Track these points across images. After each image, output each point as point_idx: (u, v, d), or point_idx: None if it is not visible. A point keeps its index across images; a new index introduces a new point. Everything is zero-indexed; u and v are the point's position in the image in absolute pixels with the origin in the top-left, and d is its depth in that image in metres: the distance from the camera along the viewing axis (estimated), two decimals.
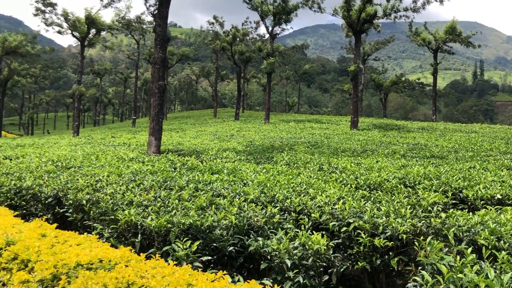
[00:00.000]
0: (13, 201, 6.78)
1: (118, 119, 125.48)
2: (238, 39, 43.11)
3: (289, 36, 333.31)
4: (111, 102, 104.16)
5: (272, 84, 40.44)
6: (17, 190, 6.81)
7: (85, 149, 14.46)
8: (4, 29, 41.95)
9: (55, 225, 3.73)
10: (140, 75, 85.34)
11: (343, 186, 6.98)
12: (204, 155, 12.64)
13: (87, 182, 6.59)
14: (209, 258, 4.23)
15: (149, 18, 39.58)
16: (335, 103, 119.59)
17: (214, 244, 4.48)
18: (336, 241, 4.64)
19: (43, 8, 29.38)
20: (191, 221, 4.57)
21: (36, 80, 61.50)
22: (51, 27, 30.62)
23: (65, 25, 30.17)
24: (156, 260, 2.80)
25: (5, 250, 2.96)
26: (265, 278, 4.06)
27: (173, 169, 9.03)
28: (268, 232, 4.74)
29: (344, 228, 4.76)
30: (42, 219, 3.95)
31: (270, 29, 34.50)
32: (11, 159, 11.31)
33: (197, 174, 7.87)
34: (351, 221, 4.82)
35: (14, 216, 4.36)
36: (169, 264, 2.71)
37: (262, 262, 4.27)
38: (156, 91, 13.51)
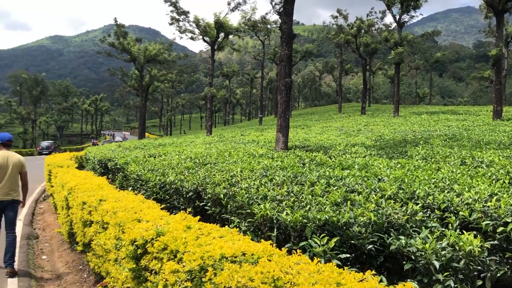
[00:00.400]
0: (158, 195, 7.36)
1: (246, 118, 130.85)
2: (363, 30, 41.82)
3: (417, 23, 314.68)
4: (239, 102, 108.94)
5: (400, 75, 38.42)
6: (162, 185, 7.38)
7: (218, 147, 15.22)
8: (145, 39, 46.25)
9: (198, 217, 3.88)
10: (265, 74, 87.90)
11: (493, 181, 6.22)
12: (331, 150, 12.40)
13: (223, 177, 6.84)
14: (348, 256, 4.04)
15: (273, 18, 40.39)
16: (472, 92, 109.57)
17: (352, 242, 4.28)
18: (491, 242, 4.11)
19: (177, 17, 31.77)
20: (327, 217, 4.42)
21: (173, 84, 66.97)
22: (184, 34, 33.00)
23: (196, 31, 32.27)
24: (298, 255, 2.70)
25: (156, 240, 3.13)
26: (408, 280, 3.75)
27: (302, 165, 8.98)
28: (410, 230, 4.39)
29: (501, 228, 4.20)
30: (185, 212, 4.12)
31: (397, 17, 32.79)
32: (154, 157, 12.29)
33: (327, 170, 7.69)
34: (509, 220, 4.23)
35: (161, 209, 4.65)
36: (312, 260, 2.60)
37: (405, 262, 3.95)
38: (282, 88, 13.63)
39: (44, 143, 54.32)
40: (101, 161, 13.18)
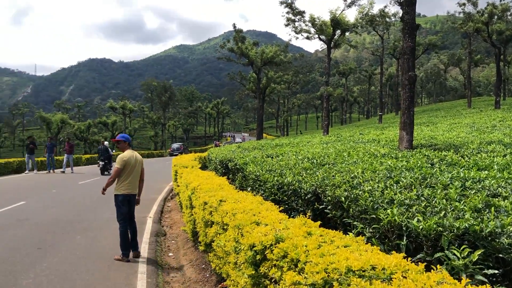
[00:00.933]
0: (276, 196, 7.25)
1: (364, 116, 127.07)
2: (495, 17, 37.77)
3: None
4: (357, 101, 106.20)
5: None
6: (279, 186, 7.25)
7: (336, 147, 14.76)
8: (261, 43, 47.28)
9: (318, 223, 3.61)
10: (384, 70, 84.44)
11: None
12: (463, 149, 11.22)
13: (343, 179, 6.48)
14: (495, 271, 3.45)
15: (393, 10, 38.40)
16: None
17: (500, 255, 3.65)
18: None
19: (293, 17, 31.85)
20: (467, 225, 3.84)
21: (289, 85, 67.65)
22: (300, 34, 32.96)
23: (312, 30, 32.01)
24: (439, 272, 2.29)
25: (275, 247, 2.93)
26: None
27: (430, 165, 8.19)
28: None
29: None
30: (305, 216, 3.88)
31: None
32: (272, 157, 12.29)
33: (461, 171, 6.88)
34: None
35: (279, 211, 4.47)
36: (451, 275, 2.17)
37: None
38: (406, 83, 12.73)
39: (175, 145, 59.03)
40: (222, 162, 13.60)
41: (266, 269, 3.05)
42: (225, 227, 4.62)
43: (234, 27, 40.87)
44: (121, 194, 7.18)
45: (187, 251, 8.03)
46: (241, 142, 57.57)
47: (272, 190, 7.38)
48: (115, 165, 7.28)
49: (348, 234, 3.92)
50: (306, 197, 6.45)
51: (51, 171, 24.45)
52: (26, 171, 24.11)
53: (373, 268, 2.37)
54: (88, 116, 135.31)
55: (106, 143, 25.37)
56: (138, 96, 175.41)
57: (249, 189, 8.69)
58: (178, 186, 12.05)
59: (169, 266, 7.23)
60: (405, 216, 4.32)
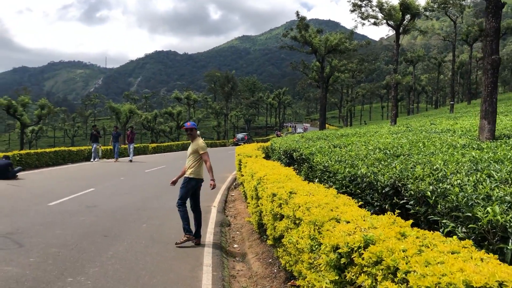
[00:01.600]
0: (347, 189, 6.75)
1: (431, 106, 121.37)
2: None
3: None
4: (424, 90, 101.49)
5: None
6: (352, 178, 6.73)
7: (408, 137, 13.88)
8: (325, 31, 46.09)
9: (410, 221, 3.10)
10: (455, 57, 79.83)
11: None
12: None
13: (425, 171, 5.84)
14: None
15: None
16: None
17: None
18: None
19: (359, 2, 30.64)
20: None
21: (353, 74, 65.79)
22: (366, 20, 31.67)
23: (380, 15, 30.62)
24: None
25: (364, 250, 2.47)
26: None
27: None
28: None
29: None
30: (394, 214, 3.38)
31: None
32: (339, 148, 11.73)
33: None
34: None
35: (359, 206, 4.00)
36: None
37: None
38: (488, 67, 11.59)
39: (239, 135, 60.33)
40: (286, 152, 13.20)
41: (353, 275, 2.60)
42: (297, 221, 4.21)
43: (297, 14, 40.10)
44: (196, 178, 7.49)
45: (252, 243, 7.73)
46: (302, 133, 56.89)
47: (344, 182, 6.88)
48: (204, 150, 7.57)
49: (456, 239, 3.38)
50: (383, 191, 5.89)
51: (117, 159, 25.11)
52: (92, 160, 24.88)
53: (500, 285, 1.86)
54: (155, 107, 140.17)
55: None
56: (201, 87, 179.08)
57: (316, 181, 8.24)
58: (242, 175, 11.82)
59: (235, 259, 6.97)
60: (510, 215, 3.68)
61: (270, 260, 6.45)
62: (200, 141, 7.61)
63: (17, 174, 15.07)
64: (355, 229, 2.95)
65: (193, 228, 7.50)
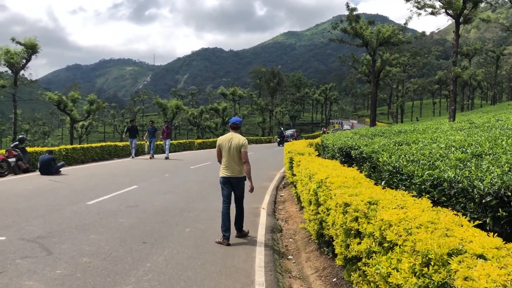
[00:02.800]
0: (427, 195, 5.56)
1: (486, 102, 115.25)
2: None
3: None
4: (480, 85, 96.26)
5: None
6: (435, 182, 5.53)
7: (480, 133, 12.36)
8: (376, 23, 44.04)
9: None
10: None
11: None
12: None
13: None
14: None
15: None
16: None
17: None
18: None
19: None
20: None
21: (405, 68, 62.93)
22: (423, 10, 29.68)
23: (438, 4, 28.57)
24: None
25: None
26: None
27: None
28: None
29: None
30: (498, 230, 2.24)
31: None
32: (403, 145, 10.46)
33: None
34: None
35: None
36: None
37: None
38: None
39: (289, 131, 60.23)
40: (341, 149, 12.02)
41: None
42: (385, 244, 3.13)
43: (347, 5, 38.41)
44: (220, 176, 7.25)
45: (310, 255, 6.68)
46: (349, 129, 55.12)
47: (423, 187, 5.69)
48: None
49: None
50: (482, 201, 4.69)
51: (152, 155, 23.29)
52: (132, 156, 23.51)
53: None
54: (201, 103, 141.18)
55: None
56: (246, 84, 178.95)
57: (382, 183, 7.10)
58: (294, 175, 10.77)
59: (291, 275, 5.95)
60: None
61: (334, 279, 5.38)
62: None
63: (60, 169, 14.73)
64: (509, 274, 1.85)
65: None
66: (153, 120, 27.46)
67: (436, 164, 6.26)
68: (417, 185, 5.91)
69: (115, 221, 7.87)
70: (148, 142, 23.70)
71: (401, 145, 10.33)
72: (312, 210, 6.41)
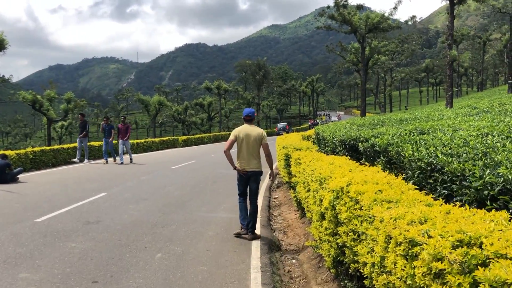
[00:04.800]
0: (495, 204, 3.84)
1: (472, 89, 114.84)
2: None
3: None
4: (466, 72, 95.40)
5: None
6: (509, 187, 3.80)
7: (496, 119, 10.72)
8: (363, 10, 42.33)
9: None
10: (501, 35, 73.83)
11: None
12: None
13: None
14: None
15: None
16: None
17: None
18: None
19: None
20: None
21: (392, 56, 61.42)
22: None
23: None
24: None
25: None
26: None
27: None
28: None
29: None
30: None
31: None
32: (417, 134, 8.77)
33: None
34: None
35: None
36: None
37: None
38: None
39: (280, 124, 60.02)
40: (344, 142, 10.27)
41: None
42: None
43: None
44: (237, 170, 6.96)
45: (323, 287, 4.91)
46: (337, 121, 53.74)
47: (482, 194, 3.96)
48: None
49: None
50: None
51: (106, 160, 19.07)
52: (76, 159, 19.54)
53: None
54: (186, 99, 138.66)
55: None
56: (232, 78, 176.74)
57: (411, 183, 5.36)
58: (292, 175, 9.00)
59: None
60: None
61: None
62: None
63: (18, 176, 12.72)
64: None
65: None
66: (108, 116, 21.89)
67: (496, 159, 4.52)
68: (473, 190, 4.16)
69: (63, 247, 6.00)
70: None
71: (417, 135, 8.62)
72: (326, 228, 4.63)
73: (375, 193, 3.60)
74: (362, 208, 3.49)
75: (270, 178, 7.44)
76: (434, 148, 5.96)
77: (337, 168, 5.17)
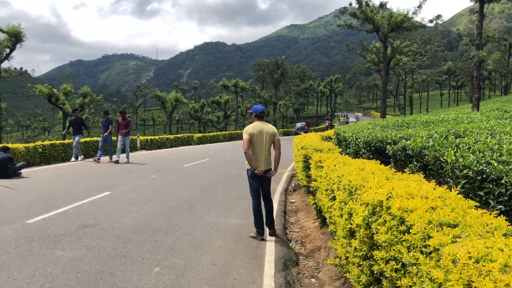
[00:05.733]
0: None
1: (494, 93, 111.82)
2: None
3: None
4: (490, 75, 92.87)
5: None
6: None
7: None
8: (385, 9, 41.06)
9: None
10: None
11: None
12: None
13: None
14: None
15: None
16: None
17: None
18: None
19: None
20: None
21: (414, 57, 59.74)
22: None
23: None
24: None
25: None
26: None
27: None
28: None
29: None
30: None
31: None
32: (451, 138, 7.85)
33: None
34: None
35: None
36: None
37: None
38: None
39: (299, 124, 60.40)
40: (369, 143, 9.38)
41: None
42: None
43: None
44: (249, 168, 6.64)
45: None
46: (355, 122, 52.56)
47: None
48: (243, 136, 6.66)
49: None
50: None
51: (98, 158, 17.24)
52: (73, 158, 18.02)
53: None
54: (204, 97, 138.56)
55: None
56: (249, 77, 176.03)
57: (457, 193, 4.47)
58: (311, 179, 8.15)
59: None
60: None
61: None
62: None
63: (21, 171, 12.10)
64: None
65: None
66: (108, 110, 19.38)
67: None
68: None
69: (49, 256, 5.24)
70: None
71: (453, 138, 7.69)
72: (357, 249, 3.77)
73: (426, 211, 2.75)
74: (411, 231, 2.64)
75: (273, 172, 6.81)
76: (482, 154, 5.08)
77: (369, 175, 4.30)
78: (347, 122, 70.09)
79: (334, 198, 5.11)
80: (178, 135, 34.55)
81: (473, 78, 26.77)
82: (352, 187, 4.04)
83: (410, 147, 6.91)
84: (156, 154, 22.24)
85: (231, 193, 10.34)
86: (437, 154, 5.82)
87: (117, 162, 16.87)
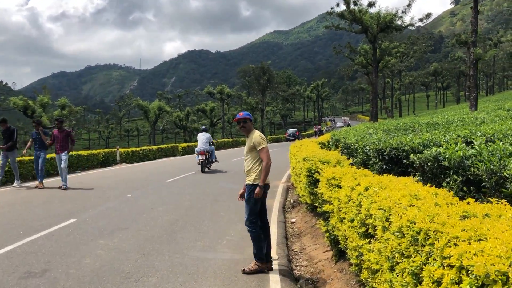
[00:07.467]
0: None
1: (480, 93, 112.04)
2: None
3: None
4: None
5: None
6: None
7: None
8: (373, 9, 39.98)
9: None
10: None
11: None
12: None
13: None
14: None
15: None
16: None
17: None
18: None
19: None
20: None
21: (402, 58, 58.88)
22: None
23: None
24: None
25: None
26: None
27: None
28: None
29: None
30: None
31: None
32: (491, 141, 6.48)
33: None
34: None
35: None
36: None
37: None
38: None
39: (290, 130, 60.64)
40: (381, 151, 7.89)
41: None
42: None
43: None
44: (261, 185, 5.38)
45: None
46: (343, 127, 51.47)
47: None
48: (262, 145, 5.44)
49: None
50: None
51: (41, 182, 12.98)
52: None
53: None
54: (189, 105, 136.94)
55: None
56: (234, 84, 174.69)
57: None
58: (317, 197, 6.67)
59: None
60: None
61: None
62: (256, 134, 5.57)
63: None
64: None
65: None
66: (39, 119, 14.87)
67: None
68: None
69: None
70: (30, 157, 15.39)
71: (488, 141, 6.28)
72: None
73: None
74: None
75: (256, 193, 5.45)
76: None
77: (433, 208, 2.80)
78: (333, 128, 69.11)
79: (370, 236, 3.62)
80: (162, 146, 32.83)
81: (470, 77, 25.64)
82: (422, 235, 2.50)
83: (446, 156, 5.44)
84: (137, 167, 20.59)
85: (221, 215, 8.80)
86: (493, 168, 4.35)
87: (64, 187, 12.42)
